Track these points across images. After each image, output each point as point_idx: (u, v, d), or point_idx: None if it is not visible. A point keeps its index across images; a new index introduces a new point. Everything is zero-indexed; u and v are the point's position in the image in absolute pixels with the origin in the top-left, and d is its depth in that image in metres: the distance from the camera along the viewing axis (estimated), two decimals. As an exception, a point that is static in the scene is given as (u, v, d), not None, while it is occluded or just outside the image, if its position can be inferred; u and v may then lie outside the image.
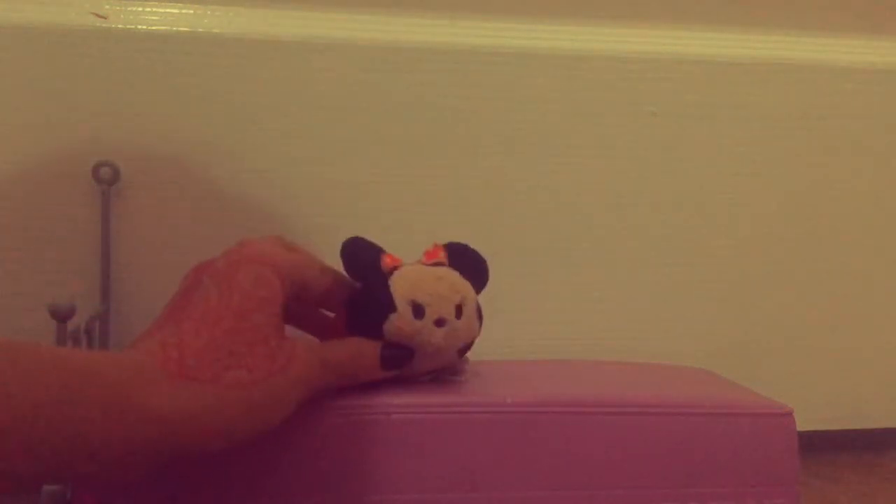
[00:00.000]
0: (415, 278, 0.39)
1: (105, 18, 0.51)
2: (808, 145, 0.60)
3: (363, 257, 0.40)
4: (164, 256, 0.52)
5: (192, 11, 0.53)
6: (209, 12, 0.53)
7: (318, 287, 0.38)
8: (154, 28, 0.52)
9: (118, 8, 0.52)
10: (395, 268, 0.40)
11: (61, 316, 0.43)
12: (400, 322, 0.38)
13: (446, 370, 0.43)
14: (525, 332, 0.58)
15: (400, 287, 0.39)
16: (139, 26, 0.51)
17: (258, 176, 0.53)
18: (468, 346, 0.42)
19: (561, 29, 0.57)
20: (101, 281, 0.51)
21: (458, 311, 0.40)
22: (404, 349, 0.39)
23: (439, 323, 0.39)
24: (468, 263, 0.42)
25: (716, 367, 0.57)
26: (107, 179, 0.51)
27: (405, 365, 0.40)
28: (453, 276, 0.41)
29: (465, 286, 0.41)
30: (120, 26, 0.51)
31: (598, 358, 0.58)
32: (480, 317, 0.42)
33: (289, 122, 0.53)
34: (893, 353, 0.63)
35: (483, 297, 0.57)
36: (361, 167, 0.55)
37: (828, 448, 0.64)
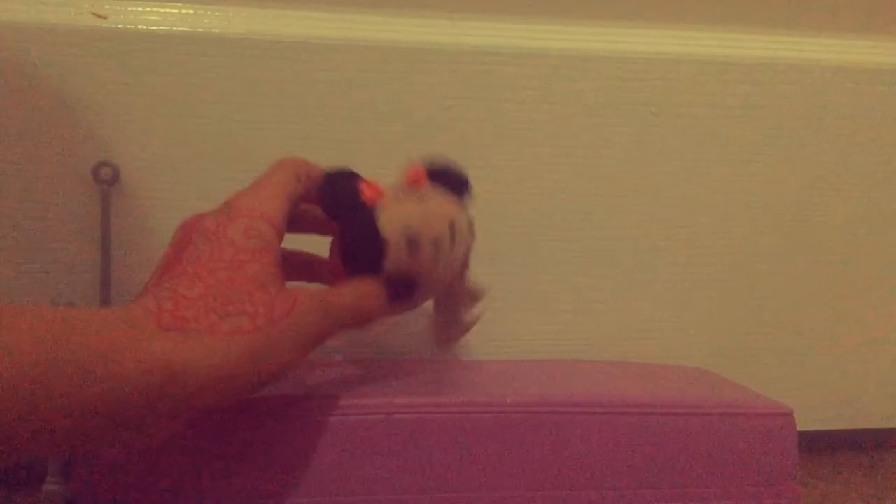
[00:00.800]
0: (403, 212, 0.39)
1: (105, 18, 0.51)
2: (808, 145, 0.60)
3: (341, 195, 0.39)
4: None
5: (192, 11, 0.53)
6: (209, 12, 0.53)
7: (299, 195, 0.39)
8: (154, 28, 0.52)
9: (118, 8, 0.52)
10: (378, 199, 0.39)
11: None
12: (397, 260, 0.38)
13: (460, 291, 0.43)
14: (525, 332, 0.58)
15: (389, 224, 0.38)
16: (139, 26, 0.51)
17: (258, 175, 0.53)
18: (467, 259, 0.43)
19: (561, 29, 0.57)
20: (101, 281, 0.51)
21: (451, 230, 0.40)
22: (408, 281, 0.39)
23: (436, 244, 0.39)
24: (450, 180, 0.42)
25: (716, 367, 0.57)
26: (107, 179, 0.51)
27: (411, 296, 0.40)
28: (439, 197, 0.40)
29: (453, 204, 0.41)
30: (120, 26, 0.51)
31: (599, 358, 0.58)
32: (472, 230, 0.42)
33: (289, 122, 0.53)
34: (893, 353, 0.63)
35: (484, 297, 0.58)
36: (361, 167, 0.54)
37: (828, 448, 0.64)
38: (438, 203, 0.40)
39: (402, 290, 0.39)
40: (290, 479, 0.38)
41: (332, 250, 0.42)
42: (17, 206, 0.51)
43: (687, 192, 0.59)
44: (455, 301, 0.45)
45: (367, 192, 0.39)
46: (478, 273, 0.56)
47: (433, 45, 0.55)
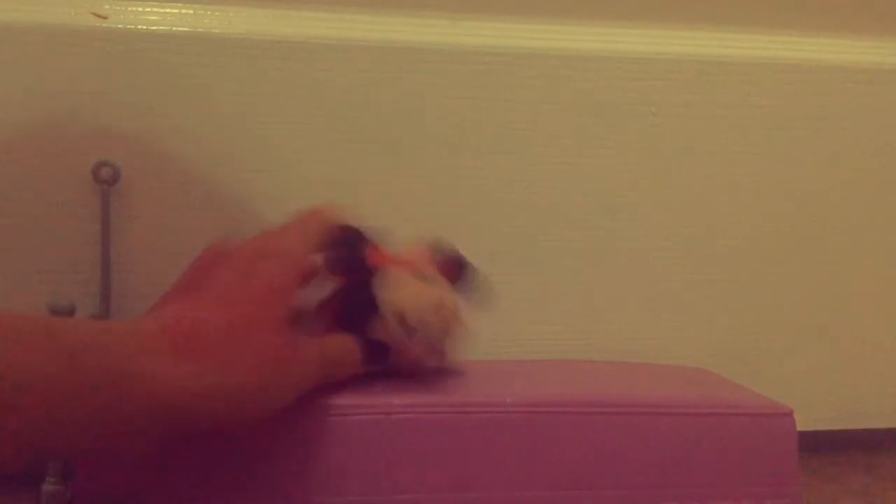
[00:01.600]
0: (410, 299, 0.40)
1: (105, 18, 0.51)
2: (809, 145, 0.60)
3: (347, 251, 0.41)
4: (164, 256, 0.52)
5: (192, 11, 0.53)
6: (209, 12, 0.53)
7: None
8: (154, 28, 0.52)
9: (118, 8, 0.52)
10: (381, 266, 0.40)
11: (61, 315, 0.43)
12: (384, 328, 0.40)
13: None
14: (525, 332, 0.58)
15: (391, 301, 0.39)
16: (139, 26, 0.51)
17: (258, 176, 0.53)
18: (450, 338, 0.42)
19: (561, 29, 0.57)
20: (101, 281, 0.51)
21: (451, 339, 0.41)
22: (384, 347, 0.40)
23: (428, 347, 0.40)
24: (462, 274, 0.43)
25: (716, 367, 0.57)
26: (107, 179, 0.51)
27: (384, 361, 0.41)
28: (454, 305, 0.41)
29: (462, 316, 0.42)
30: (120, 26, 0.51)
31: (599, 358, 0.58)
32: (461, 314, 0.42)
33: (289, 122, 0.53)
34: (893, 353, 0.63)
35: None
36: (362, 167, 0.55)
37: (828, 448, 0.64)
38: (455, 310, 0.41)
39: (377, 355, 0.40)
40: (291, 479, 0.38)
41: (329, 301, 0.43)
42: (18, 205, 0.51)
43: (687, 191, 0.59)
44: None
45: (372, 256, 0.41)
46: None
47: (433, 45, 0.55)
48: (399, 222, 0.55)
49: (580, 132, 0.57)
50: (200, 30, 0.52)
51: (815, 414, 0.62)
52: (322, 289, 0.42)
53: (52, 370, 0.27)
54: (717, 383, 0.51)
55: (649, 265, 0.59)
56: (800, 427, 0.43)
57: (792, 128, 0.60)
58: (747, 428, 0.42)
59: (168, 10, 0.52)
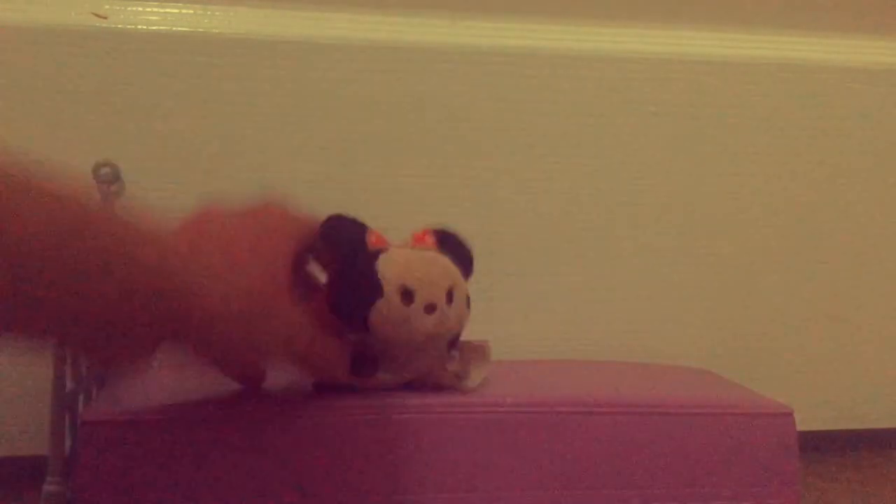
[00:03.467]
0: (404, 261, 0.37)
1: (105, 18, 0.51)
2: (809, 145, 0.60)
3: (346, 235, 0.38)
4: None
5: (192, 11, 0.53)
6: (209, 12, 0.53)
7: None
8: (154, 28, 0.52)
9: (118, 8, 0.52)
10: (382, 248, 0.37)
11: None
12: (387, 309, 0.36)
13: (442, 373, 0.40)
14: (525, 332, 0.58)
15: (388, 270, 0.36)
16: (139, 26, 0.51)
17: (258, 175, 0.53)
18: (457, 338, 0.39)
19: (561, 29, 0.57)
20: (101, 281, 0.51)
21: (449, 296, 0.37)
22: (370, 358, 0.38)
23: (429, 309, 0.36)
24: (457, 251, 0.40)
25: (716, 367, 0.57)
26: (107, 179, 0.51)
27: (372, 371, 0.38)
28: (444, 260, 0.38)
29: (456, 272, 0.39)
30: (120, 26, 0.51)
31: (598, 358, 0.58)
32: (469, 305, 0.39)
33: (289, 122, 0.53)
34: (893, 353, 0.63)
35: (484, 297, 0.58)
36: (362, 166, 0.55)
37: (828, 448, 0.64)
38: (443, 266, 0.38)
39: (365, 365, 0.38)
40: (291, 479, 0.38)
41: (320, 289, 0.40)
42: (17, 206, 0.51)
43: (687, 191, 0.59)
44: (436, 384, 0.41)
45: (372, 240, 0.38)
46: (478, 273, 0.57)
47: (433, 45, 0.55)
48: (398, 221, 0.55)
49: (580, 132, 0.57)
50: (200, 30, 0.52)
51: (815, 414, 0.62)
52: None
53: (49, 234, 0.28)
54: (717, 383, 0.51)
55: (649, 265, 0.59)
56: (800, 427, 0.43)
57: (792, 128, 0.60)
58: (747, 428, 0.42)
59: (168, 10, 0.52)
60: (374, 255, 0.37)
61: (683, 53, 0.58)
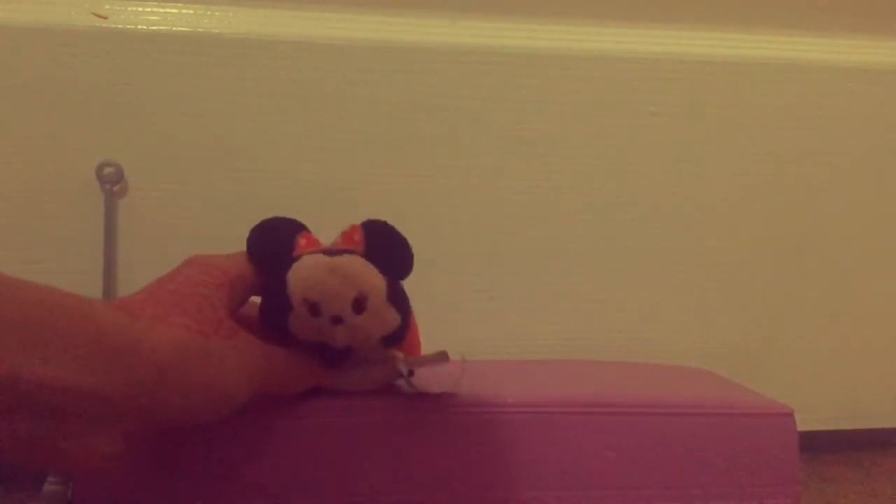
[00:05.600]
0: (307, 274, 0.35)
1: (105, 18, 0.51)
2: (809, 145, 0.60)
3: (269, 247, 0.37)
4: (167, 256, 0.52)
5: (192, 11, 0.53)
6: (209, 12, 0.53)
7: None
8: (154, 28, 0.52)
9: (118, 8, 0.52)
10: (298, 257, 0.36)
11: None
12: (299, 322, 0.35)
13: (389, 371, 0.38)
14: (525, 332, 0.58)
15: (295, 282, 0.35)
16: (139, 26, 0.51)
17: (259, 175, 0.54)
18: (393, 337, 0.37)
19: (561, 29, 0.57)
20: (104, 280, 0.51)
21: (358, 305, 0.35)
22: (330, 349, 0.36)
23: (335, 321, 0.35)
24: (387, 247, 0.38)
25: (716, 367, 0.57)
26: (110, 179, 0.51)
27: (341, 363, 0.37)
28: (356, 265, 0.36)
29: (367, 277, 0.36)
30: (120, 26, 0.51)
31: (598, 358, 0.58)
32: (401, 304, 0.37)
33: (289, 122, 0.53)
34: (893, 353, 0.63)
35: (484, 297, 0.58)
36: (362, 167, 0.55)
37: (828, 448, 0.64)
38: (345, 275, 0.35)
39: (332, 357, 0.37)
40: (291, 480, 0.38)
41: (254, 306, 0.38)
42: (21, 206, 0.51)
43: (687, 191, 0.59)
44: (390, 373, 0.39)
45: (301, 243, 0.37)
46: (478, 273, 0.57)
47: (433, 45, 0.55)
48: (398, 222, 0.55)
49: (580, 132, 0.57)
50: (200, 30, 0.52)
51: (815, 414, 0.62)
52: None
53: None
54: (717, 383, 0.51)
55: (649, 265, 0.59)
56: (800, 427, 0.43)
57: (792, 128, 0.60)
58: (747, 428, 0.42)
59: (168, 10, 0.52)
60: (290, 265, 0.36)
61: (683, 53, 0.58)
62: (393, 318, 0.36)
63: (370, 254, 0.37)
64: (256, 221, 0.53)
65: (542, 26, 0.57)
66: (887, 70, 0.60)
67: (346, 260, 0.36)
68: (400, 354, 0.38)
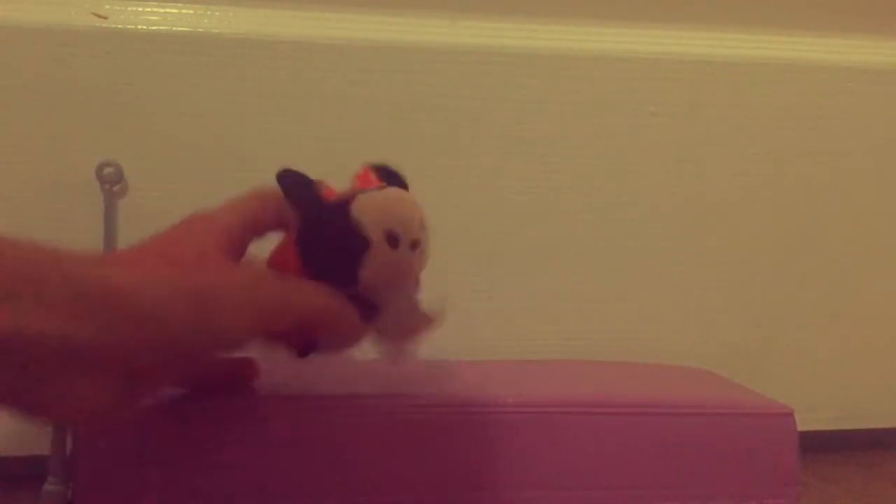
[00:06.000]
0: (381, 205, 0.35)
1: (105, 18, 0.51)
2: (809, 145, 0.60)
3: (304, 191, 0.36)
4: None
5: (192, 11, 0.53)
6: (209, 12, 0.53)
7: (265, 217, 0.37)
8: (154, 28, 0.52)
9: (118, 8, 0.52)
10: (346, 196, 0.35)
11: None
12: (379, 258, 0.34)
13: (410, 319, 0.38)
14: (525, 332, 0.58)
15: (367, 217, 0.34)
16: (139, 26, 0.51)
17: (259, 175, 0.53)
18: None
19: (561, 29, 0.57)
20: (102, 281, 0.51)
21: (423, 225, 0.36)
22: (369, 300, 0.35)
23: (414, 245, 0.35)
24: (398, 180, 0.38)
25: (716, 367, 0.57)
26: (110, 179, 0.51)
27: (375, 317, 0.36)
28: (405, 193, 0.37)
29: (417, 202, 0.37)
30: (120, 26, 0.51)
31: (598, 358, 0.58)
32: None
33: (289, 122, 0.53)
34: (893, 353, 0.63)
35: (484, 297, 0.58)
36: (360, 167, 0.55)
37: (828, 448, 0.64)
38: (409, 197, 0.36)
39: (366, 310, 0.35)
40: (291, 479, 0.38)
41: (280, 253, 0.37)
42: (21, 206, 0.51)
43: (687, 191, 0.59)
44: (405, 328, 0.38)
45: (325, 192, 0.36)
46: (478, 273, 0.57)
47: (433, 45, 0.55)
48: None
49: (580, 132, 0.57)
50: (200, 30, 0.52)
51: (815, 414, 0.62)
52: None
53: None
54: (717, 383, 0.51)
55: (649, 265, 0.59)
56: (800, 427, 0.43)
57: (792, 128, 0.60)
58: (747, 428, 0.42)
59: (168, 10, 0.52)
60: (344, 204, 0.35)
61: (683, 53, 0.58)
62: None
63: (390, 183, 0.37)
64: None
65: (542, 26, 0.57)
66: (887, 70, 0.60)
67: (398, 190, 0.36)
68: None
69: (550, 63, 0.56)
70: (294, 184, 0.36)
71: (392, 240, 0.34)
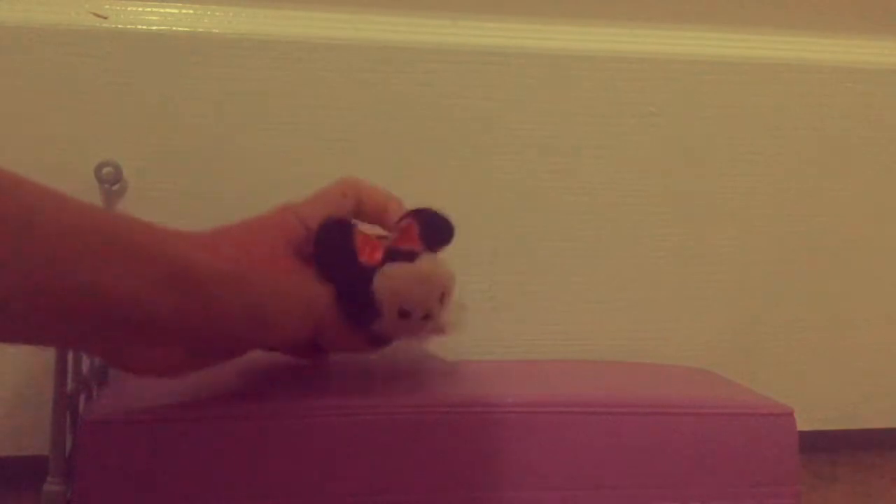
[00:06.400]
0: (398, 286, 0.38)
1: (105, 18, 0.51)
2: (808, 145, 0.60)
3: (337, 250, 0.39)
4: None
5: (192, 11, 0.53)
6: (209, 12, 0.53)
7: (343, 210, 0.41)
8: (154, 28, 0.52)
9: (118, 8, 0.52)
10: (374, 265, 0.38)
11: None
12: (386, 324, 0.39)
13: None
14: (525, 332, 0.58)
15: (387, 297, 0.38)
16: (139, 26, 0.51)
17: (259, 175, 0.53)
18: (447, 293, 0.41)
19: (561, 29, 0.57)
20: (102, 281, 0.51)
21: (442, 299, 0.40)
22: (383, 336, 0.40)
23: (426, 317, 0.39)
24: (440, 233, 0.41)
25: (716, 367, 0.57)
26: (109, 179, 0.51)
27: (368, 324, 0.40)
28: (434, 269, 0.40)
29: (445, 274, 0.40)
30: (120, 26, 0.51)
31: (598, 358, 0.58)
32: (454, 279, 0.41)
33: (289, 122, 0.53)
34: (893, 353, 0.63)
35: (484, 297, 0.58)
36: (361, 167, 0.55)
37: (828, 448, 0.64)
38: (435, 279, 0.39)
39: (361, 318, 0.39)
40: (291, 479, 0.38)
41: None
42: (18, 206, 0.51)
43: (687, 191, 0.59)
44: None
45: (362, 248, 0.39)
46: (478, 273, 0.57)
47: (433, 45, 0.55)
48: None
49: (580, 132, 0.57)
50: (200, 30, 0.52)
51: (815, 414, 0.62)
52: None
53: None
54: (717, 383, 0.51)
55: (649, 265, 0.59)
56: (800, 427, 0.43)
57: (792, 128, 0.60)
58: (747, 428, 0.42)
59: (168, 10, 0.52)
60: (369, 273, 0.38)
61: (683, 53, 0.58)
62: (453, 291, 0.40)
63: (428, 243, 0.40)
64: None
65: (543, 26, 0.57)
66: (887, 70, 0.60)
67: (427, 265, 0.39)
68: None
69: (550, 63, 0.56)
70: (332, 241, 0.39)
71: (403, 314, 0.38)
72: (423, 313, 0.39)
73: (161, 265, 0.32)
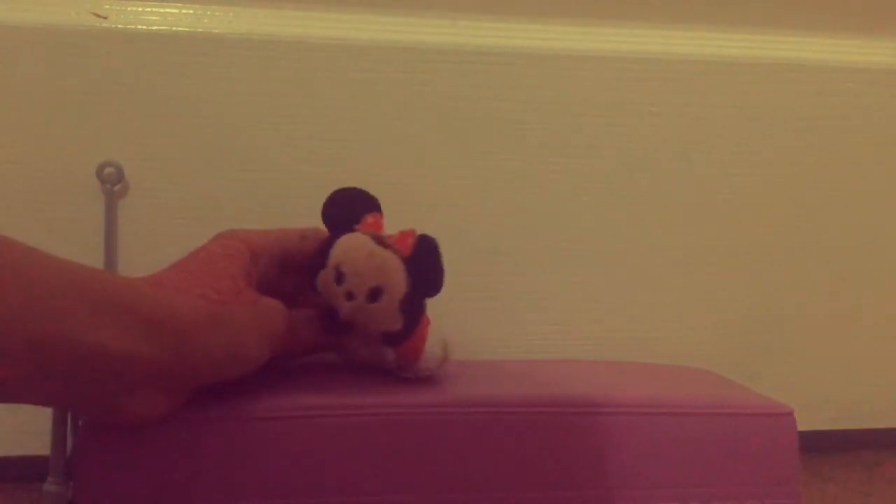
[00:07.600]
0: (348, 246, 0.40)
1: (105, 18, 0.51)
2: (809, 145, 0.60)
3: (338, 215, 0.43)
4: (167, 255, 0.52)
5: (192, 11, 0.53)
6: (209, 12, 0.53)
7: (300, 252, 0.42)
8: (154, 28, 0.52)
9: (118, 8, 0.52)
10: (356, 230, 0.42)
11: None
12: (324, 281, 0.40)
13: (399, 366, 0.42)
14: (525, 332, 0.58)
15: (337, 249, 0.40)
16: (139, 26, 0.51)
17: (259, 175, 0.54)
18: (391, 338, 0.41)
19: (561, 29, 0.57)
20: (102, 281, 0.51)
21: (373, 294, 0.40)
22: (343, 320, 0.41)
23: (349, 296, 0.40)
24: (427, 265, 0.41)
25: (716, 367, 0.57)
26: (110, 179, 0.51)
27: (342, 333, 0.41)
28: (389, 262, 0.40)
29: (394, 278, 0.40)
30: (120, 26, 0.51)
31: (598, 358, 0.58)
32: (411, 315, 0.40)
33: (289, 122, 0.53)
34: (893, 353, 0.63)
35: (484, 297, 0.58)
36: (361, 167, 0.55)
37: (828, 448, 0.64)
38: (378, 265, 0.40)
39: (335, 326, 0.41)
40: (291, 479, 0.38)
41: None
42: (21, 206, 0.51)
43: (687, 191, 0.59)
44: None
45: (367, 222, 0.42)
46: (478, 273, 0.57)
47: (433, 45, 0.55)
48: (397, 222, 0.55)
49: (580, 132, 0.57)
50: (200, 30, 0.52)
51: (815, 414, 0.62)
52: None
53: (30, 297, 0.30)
54: (717, 383, 0.51)
55: (649, 265, 0.59)
56: (800, 427, 0.43)
57: (792, 128, 0.60)
58: (747, 428, 0.42)
59: (168, 10, 0.52)
60: (343, 232, 0.41)
61: (683, 53, 0.58)
62: (395, 322, 0.40)
63: (412, 262, 0.40)
64: (257, 222, 0.54)
65: (543, 26, 0.57)
66: (887, 70, 0.60)
67: (387, 254, 0.40)
68: (390, 354, 0.42)
69: (550, 63, 0.56)
70: (334, 209, 0.44)
71: (338, 277, 0.40)
72: (351, 288, 0.39)
73: (141, 315, 0.32)
